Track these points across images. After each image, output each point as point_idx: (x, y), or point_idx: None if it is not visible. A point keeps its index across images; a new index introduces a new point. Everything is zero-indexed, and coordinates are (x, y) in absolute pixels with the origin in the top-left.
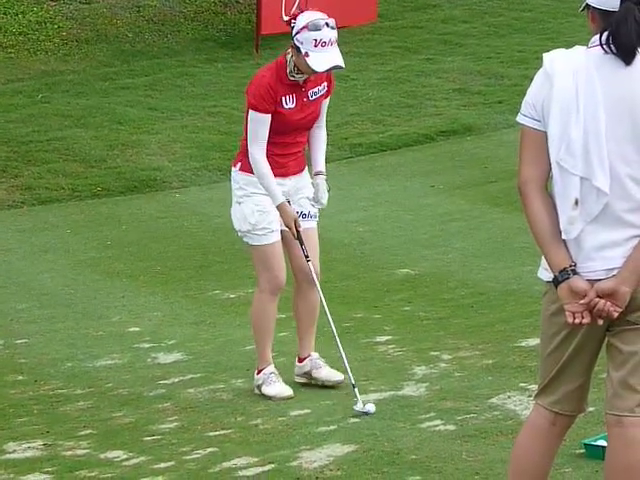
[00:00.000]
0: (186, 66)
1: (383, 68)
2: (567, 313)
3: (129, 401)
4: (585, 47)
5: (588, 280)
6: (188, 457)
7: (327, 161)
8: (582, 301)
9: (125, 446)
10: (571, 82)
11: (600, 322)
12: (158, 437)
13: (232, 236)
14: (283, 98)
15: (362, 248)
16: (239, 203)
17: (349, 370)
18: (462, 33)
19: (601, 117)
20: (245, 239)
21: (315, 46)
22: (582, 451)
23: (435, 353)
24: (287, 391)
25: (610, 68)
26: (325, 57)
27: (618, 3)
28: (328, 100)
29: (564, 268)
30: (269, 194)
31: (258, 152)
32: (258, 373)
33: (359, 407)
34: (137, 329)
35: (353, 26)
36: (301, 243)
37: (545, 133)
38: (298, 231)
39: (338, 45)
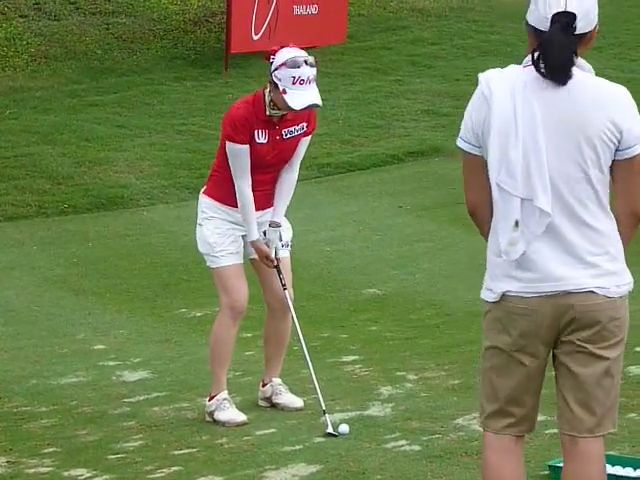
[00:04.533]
0: (155, 84)
1: (352, 89)
2: None
3: (94, 419)
4: (520, 65)
5: (538, 297)
6: (152, 476)
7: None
8: None
9: (89, 464)
10: (509, 103)
11: None
12: (122, 455)
13: (199, 254)
14: (256, 132)
15: (329, 268)
16: (200, 225)
17: (320, 395)
18: (431, 55)
19: (540, 137)
20: (207, 263)
21: (293, 83)
22: (547, 472)
23: (401, 373)
24: (240, 417)
25: (547, 88)
26: (303, 95)
27: (548, 24)
28: (308, 140)
29: None
30: (246, 228)
31: (244, 185)
32: (210, 399)
33: (331, 430)
34: (102, 347)
35: (322, 47)
36: (279, 272)
37: (484, 159)
38: (277, 264)
39: (316, 81)
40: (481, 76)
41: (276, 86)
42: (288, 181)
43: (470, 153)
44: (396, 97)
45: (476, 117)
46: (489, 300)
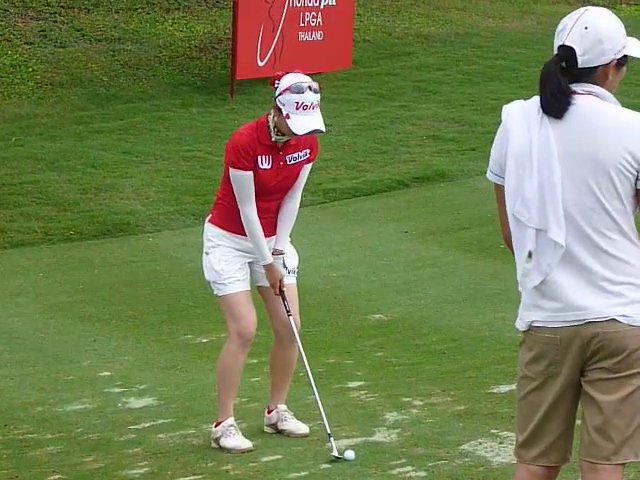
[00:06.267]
0: (161, 110)
1: (357, 114)
2: None
3: (99, 446)
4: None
5: (562, 327)
6: None
7: (301, 205)
8: None
9: None
10: (526, 134)
11: None
12: None
13: (205, 282)
14: (259, 157)
15: (335, 293)
16: (207, 253)
17: (325, 420)
18: (436, 80)
19: (556, 168)
20: (215, 291)
21: (297, 109)
22: None
23: (407, 399)
24: (245, 443)
25: (563, 118)
26: (306, 121)
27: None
28: (310, 167)
29: None
30: (259, 253)
31: (250, 211)
32: (216, 425)
33: (336, 453)
34: (108, 373)
35: (327, 73)
36: (284, 299)
37: None
38: (282, 290)
39: (320, 107)
40: (504, 107)
41: (280, 111)
42: (290, 209)
43: (497, 184)
44: (401, 123)
45: (499, 148)
46: (520, 329)
